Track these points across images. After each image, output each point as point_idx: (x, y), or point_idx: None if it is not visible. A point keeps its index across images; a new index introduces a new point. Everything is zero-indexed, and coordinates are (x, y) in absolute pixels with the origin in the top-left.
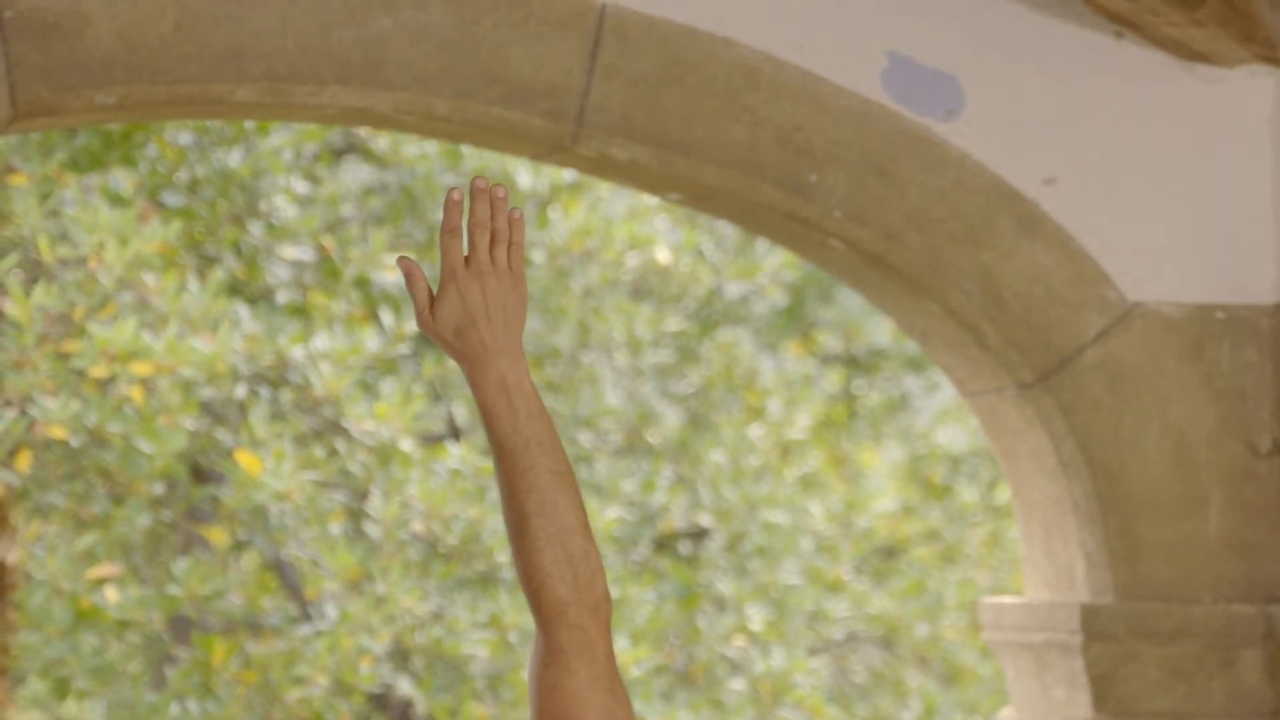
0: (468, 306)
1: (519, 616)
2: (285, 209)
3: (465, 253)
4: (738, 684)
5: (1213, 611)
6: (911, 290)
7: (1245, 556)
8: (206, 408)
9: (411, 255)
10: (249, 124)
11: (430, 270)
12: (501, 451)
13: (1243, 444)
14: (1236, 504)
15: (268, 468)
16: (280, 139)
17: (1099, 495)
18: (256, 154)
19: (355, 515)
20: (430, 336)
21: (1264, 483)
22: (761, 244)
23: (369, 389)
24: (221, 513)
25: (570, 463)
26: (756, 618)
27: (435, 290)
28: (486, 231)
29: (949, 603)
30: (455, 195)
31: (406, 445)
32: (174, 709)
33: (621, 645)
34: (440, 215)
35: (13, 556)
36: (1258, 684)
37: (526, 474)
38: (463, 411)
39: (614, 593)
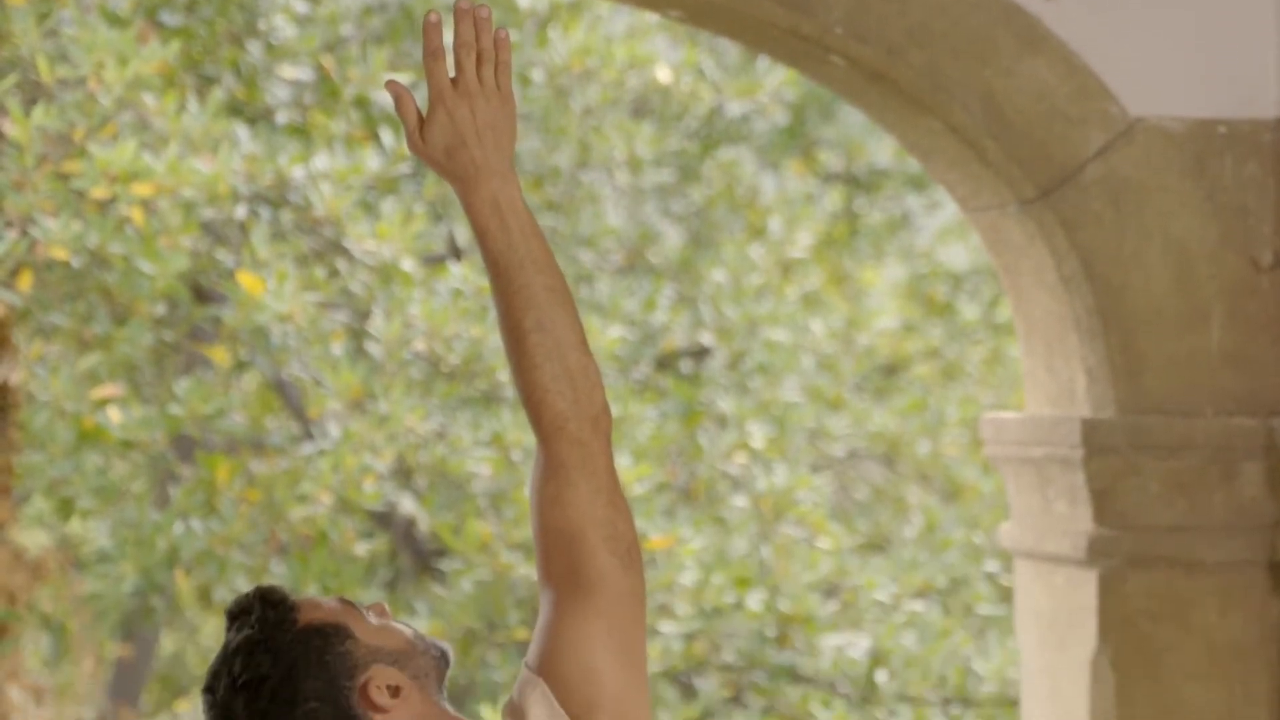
0: (457, 127)
1: (521, 434)
2: (284, 28)
3: (452, 75)
4: (739, 501)
5: (1214, 425)
6: (913, 107)
7: (1246, 370)
8: (207, 228)
9: (411, 75)
10: None
11: (421, 94)
12: (496, 270)
13: (1244, 258)
14: (1238, 318)
15: (269, 288)
16: None
17: (1100, 310)
18: None
19: (357, 335)
20: (421, 158)
21: (1265, 297)
22: (762, 62)
23: (370, 209)
24: (223, 333)
25: (566, 280)
26: (758, 435)
27: (425, 113)
28: (472, 52)
29: (950, 419)
30: (433, 17)
31: (408, 265)
32: (178, 528)
33: (623, 463)
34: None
35: (15, 377)
36: (1259, 496)
37: (522, 291)
38: (463, 231)
39: (616, 411)
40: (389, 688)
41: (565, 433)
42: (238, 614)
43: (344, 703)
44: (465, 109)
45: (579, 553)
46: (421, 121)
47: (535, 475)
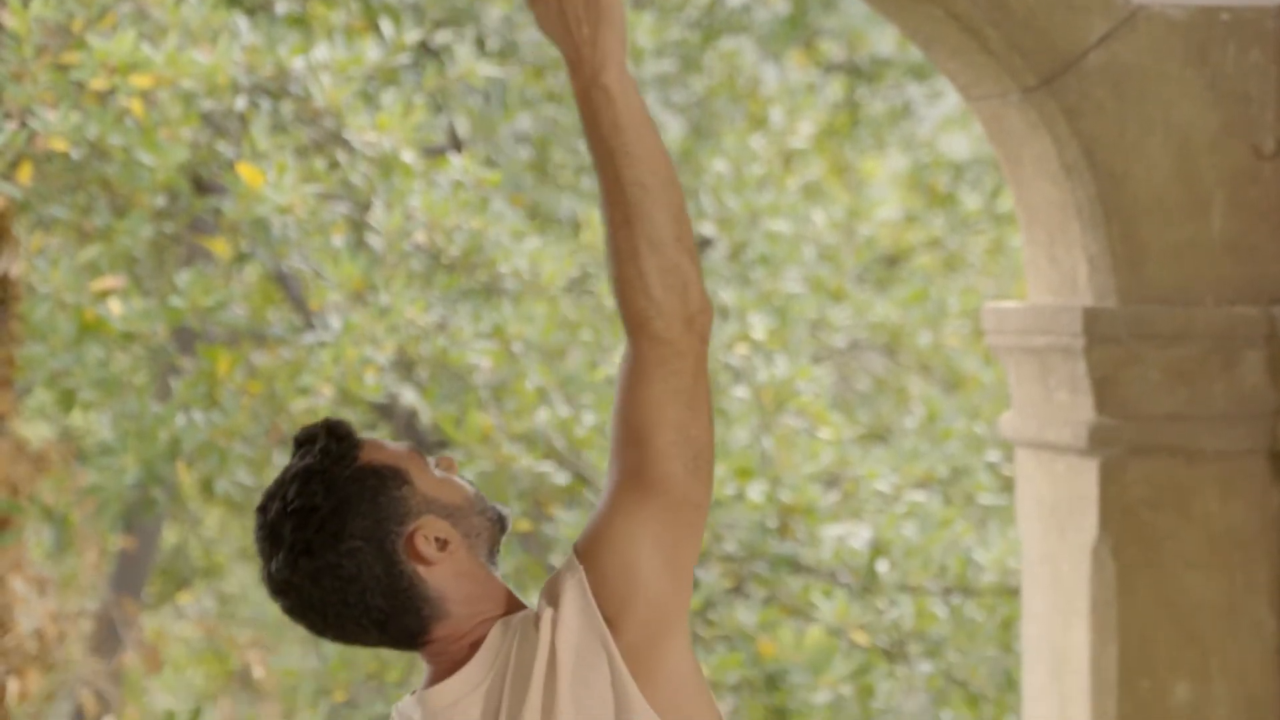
0: (562, 8)
1: (522, 326)
2: None
3: None
4: (741, 392)
5: (1215, 313)
6: None
7: (1248, 258)
8: (207, 120)
9: None
10: None
11: None
12: (594, 160)
13: (1246, 146)
14: (1239, 206)
15: (269, 180)
16: None
17: (1102, 199)
18: None
19: (357, 227)
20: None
21: (1267, 185)
22: None
23: (370, 100)
24: (224, 225)
25: (669, 174)
26: (759, 326)
27: None
28: None
29: (952, 309)
30: None
31: (408, 157)
32: (180, 420)
33: None
34: None
35: (16, 269)
36: (1260, 385)
37: (612, 185)
38: (464, 123)
39: (608, 300)
40: (437, 540)
41: (647, 330)
42: (303, 441)
43: (388, 546)
44: None
45: (646, 452)
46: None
47: (621, 364)
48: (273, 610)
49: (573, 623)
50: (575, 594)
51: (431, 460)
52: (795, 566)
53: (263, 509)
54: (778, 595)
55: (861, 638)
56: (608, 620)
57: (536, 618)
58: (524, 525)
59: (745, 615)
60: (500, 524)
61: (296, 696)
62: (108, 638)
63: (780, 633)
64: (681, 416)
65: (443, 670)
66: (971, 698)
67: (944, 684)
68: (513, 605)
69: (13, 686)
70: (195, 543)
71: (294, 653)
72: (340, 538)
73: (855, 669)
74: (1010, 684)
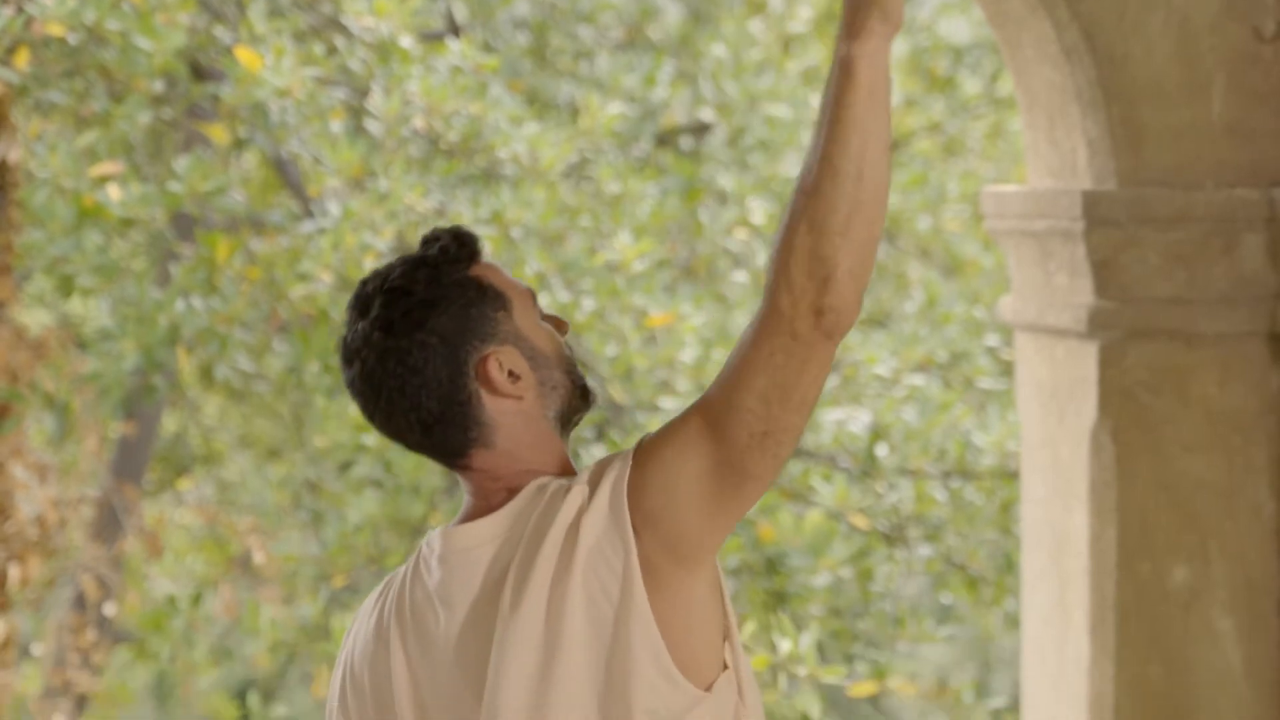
0: None
1: (520, 212)
2: None
3: None
4: (740, 277)
5: (1215, 196)
6: None
7: (1248, 141)
8: (204, 4)
9: None
10: None
11: None
12: (818, 117)
13: (1246, 28)
14: (1240, 89)
15: (267, 64)
16: None
17: (1102, 82)
18: None
19: (356, 112)
20: None
21: (1268, 67)
22: None
23: None
24: (222, 110)
25: (873, 176)
26: (758, 211)
27: None
28: None
29: (951, 194)
30: None
31: (406, 42)
32: (179, 306)
33: (623, 241)
34: None
35: (14, 155)
36: (1259, 268)
37: (813, 153)
38: (462, 8)
39: (615, 188)
40: (510, 372)
41: (774, 302)
42: (428, 240)
43: (461, 356)
44: None
45: (725, 401)
46: None
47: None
48: (272, 497)
49: (603, 509)
50: (615, 485)
51: (547, 312)
52: (795, 451)
53: (365, 281)
54: (777, 479)
55: (861, 521)
56: (634, 525)
57: (568, 489)
58: None
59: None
60: (582, 393)
61: (297, 582)
62: (108, 524)
63: (779, 517)
64: (770, 392)
65: (474, 510)
66: (971, 581)
67: (943, 567)
68: (564, 471)
69: (14, 572)
70: (195, 429)
71: (294, 539)
72: (420, 327)
73: (854, 553)
74: (1009, 567)
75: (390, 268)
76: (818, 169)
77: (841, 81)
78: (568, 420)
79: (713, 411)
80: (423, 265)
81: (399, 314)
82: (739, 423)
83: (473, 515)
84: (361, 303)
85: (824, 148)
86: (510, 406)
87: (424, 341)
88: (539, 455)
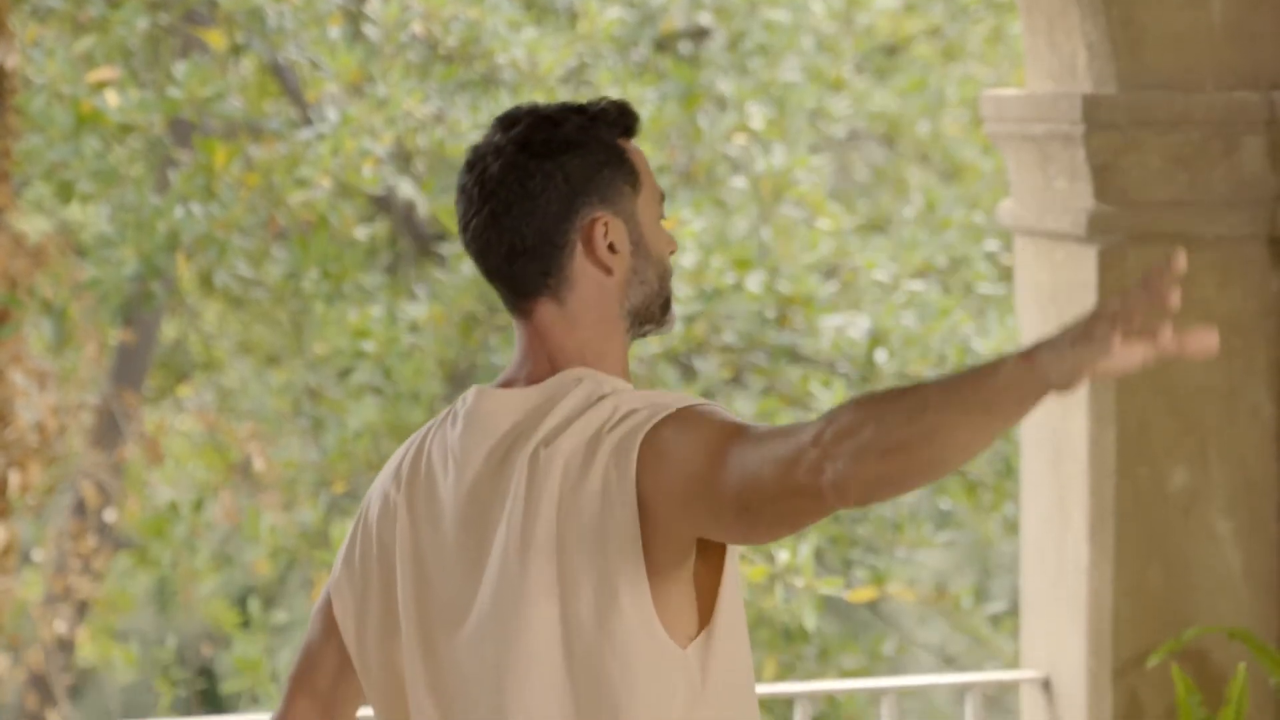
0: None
1: None
2: None
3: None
4: (739, 182)
5: (1215, 99)
6: None
7: (1248, 44)
8: None
9: None
10: None
11: None
12: (942, 378)
13: None
14: None
15: None
16: None
17: None
18: None
19: (354, 17)
20: None
21: None
22: None
23: None
24: (219, 15)
25: (946, 459)
26: (758, 116)
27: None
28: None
29: (951, 99)
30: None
31: None
32: (178, 212)
33: None
34: None
35: (11, 60)
36: (1259, 171)
37: (931, 394)
38: None
39: (614, 93)
40: (611, 244)
41: (806, 455)
42: (594, 101)
43: (576, 204)
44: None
45: (736, 476)
46: None
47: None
48: (272, 403)
49: (620, 444)
50: (636, 430)
51: (673, 241)
52: (794, 356)
53: (519, 106)
54: (776, 385)
55: None
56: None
57: (602, 396)
58: None
59: (744, 405)
60: (664, 305)
61: (297, 488)
62: (108, 431)
63: (779, 422)
64: (765, 490)
65: (512, 377)
66: (970, 485)
67: None
68: (615, 368)
69: (14, 479)
70: (195, 336)
71: (294, 445)
72: (552, 158)
73: None
74: (1008, 472)
75: (552, 105)
76: (916, 416)
77: (991, 377)
78: (640, 323)
79: (725, 460)
80: (580, 112)
81: (539, 138)
82: (729, 488)
83: (510, 382)
84: (508, 119)
85: (934, 408)
86: (596, 275)
87: (550, 172)
88: (599, 337)
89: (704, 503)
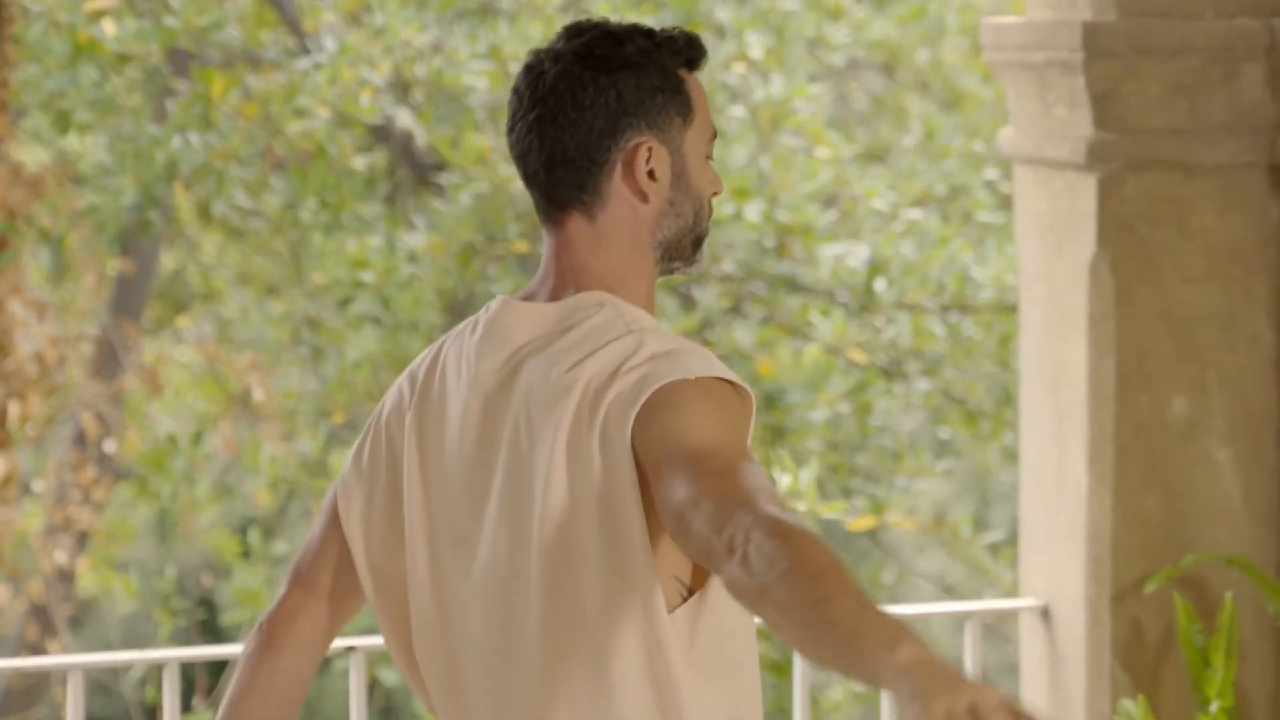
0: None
1: (518, 46)
2: None
3: None
4: (738, 111)
5: (1215, 26)
6: None
7: None
8: None
9: None
10: None
11: None
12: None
13: None
14: None
15: None
16: None
17: None
18: None
19: None
20: None
21: None
22: None
23: None
24: None
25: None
26: (756, 44)
27: None
28: None
29: (950, 26)
30: None
31: None
32: (175, 141)
33: None
34: None
35: None
36: (1259, 98)
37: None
38: None
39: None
40: (652, 171)
41: (726, 566)
42: (665, 29)
43: (623, 124)
44: None
45: (671, 510)
46: None
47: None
48: (271, 334)
49: (630, 390)
50: (647, 381)
51: (717, 183)
52: (793, 285)
53: (606, 20)
54: (775, 314)
55: (859, 356)
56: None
57: (625, 334)
58: (521, 247)
59: (743, 334)
60: (695, 243)
61: (296, 418)
62: (107, 361)
63: (778, 351)
64: (688, 534)
65: (534, 291)
66: (969, 414)
67: (941, 401)
68: (640, 298)
69: (14, 409)
70: (193, 267)
71: (293, 375)
72: (609, 74)
73: (853, 387)
74: (1008, 400)
75: (620, 23)
76: (808, 613)
77: (872, 659)
78: (670, 257)
79: (693, 471)
80: (647, 36)
81: (599, 52)
82: (676, 508)
83: (532, 295)
84: (575, 30)
85: (820, 625)
86: (631, 200)
87: (603, 87)
88: (626, 262)
89: (656, 489)
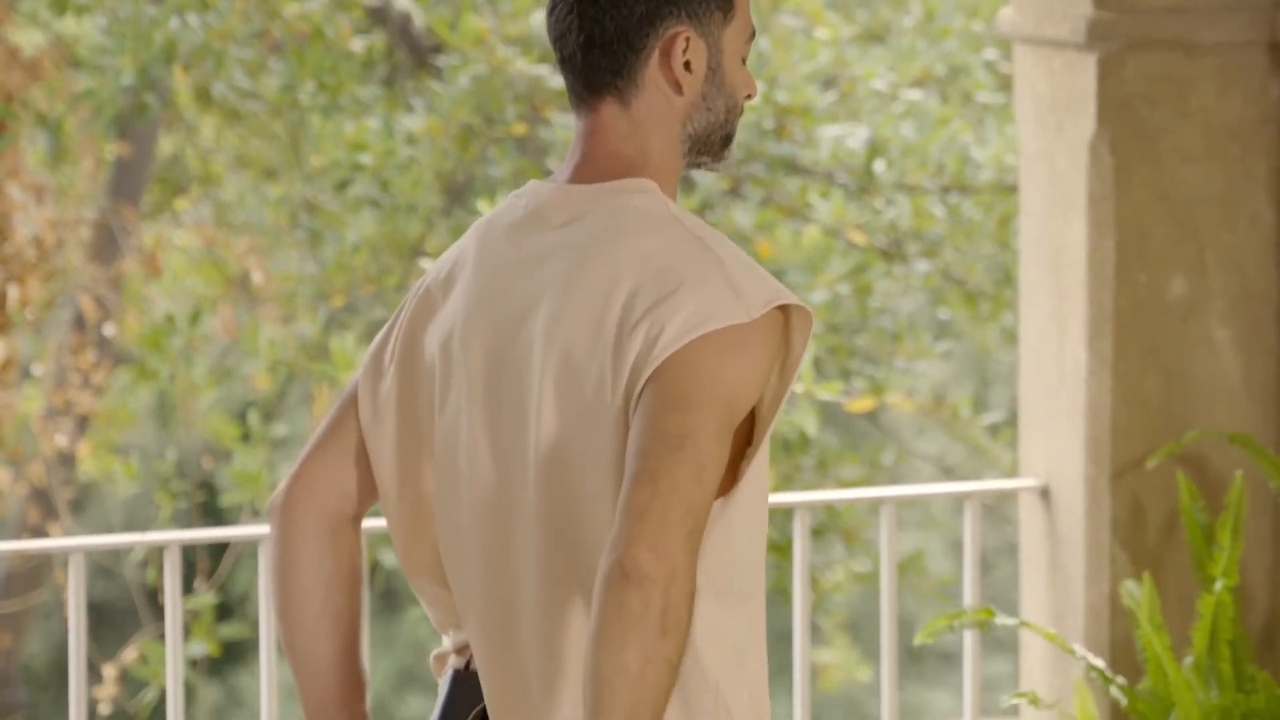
0: None
1: None
2: None
3: None
4: None
5: None
6: None
7: None
8: None
9: None
10: None
11: None
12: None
13: None
14: None
15: None
16: None
17: None
18: None
19: None
20: None
21: None
22: None
23: None
24: None
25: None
26: None
27: None
28: None
29: None
30: None
31: None
32: (174, 22)
33: None
34: None
35: None
36: None
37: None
38: None
39: None
40: (688, 63)
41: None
42: None
43: (663, 12)
44: None
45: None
46: None
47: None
48: (269, 217)
49: (663, 329)
50: (679, 331)
51: (751, 88)
52: (792, 167)
53: None
54: (775, 196)
55: (859, 237)
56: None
57: (698, 238)
58: (520, 129)
59: (742, 217)
60: (724, 140)
61: (295, 302)
62: (106, 245)
63: (777, 233)
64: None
65: (568, 173)
66: (969, 295)
67: (941, 282)
68: (662, 189)
69: (13, 293)
70: (192, 150)
71: (292, 258)
72: None
73: (852, 268)
74: (1008, 280)
75: None
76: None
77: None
78: (698, 151)
79: (686, 423)
80: None
81: None
82: (638, 445)
83: (563, 176)
84: None
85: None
86: (665, 90)
87: None
88: (656, 151)
89: (638, 411)
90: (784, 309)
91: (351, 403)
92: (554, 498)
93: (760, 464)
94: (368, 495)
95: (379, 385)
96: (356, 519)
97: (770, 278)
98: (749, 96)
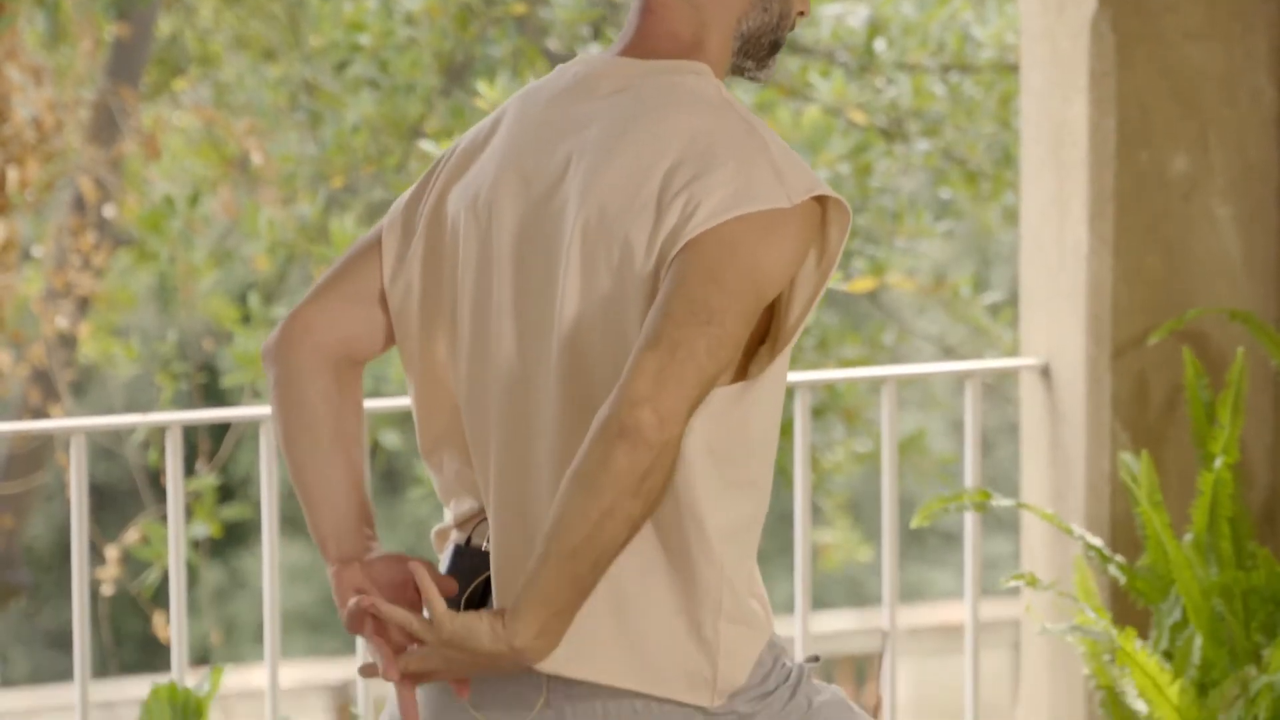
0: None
1: None
2: None
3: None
4: None
5: None
6: None
7: None
8: None
9: None
10: None
11: None
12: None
13: None
14: None
15: None
16: None
17: None
18: None
19: None
20: None
21: None
22: None
23: None
24: None
25: None
26: None
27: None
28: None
29: None
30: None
31: None
32: None
33: None
34: None
35: None
36: None
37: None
38: None
39: None
40: None
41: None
42: None
43: None
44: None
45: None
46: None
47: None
48: (269, 98)
49: (700, 205)
50: (756, 194)
51: None
52: (792, 47)
53: None
54: (775, 76)
55: (859, 116)
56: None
57: (749, 126)
58: (519, 9)
59: (743, 96)
60: (772, 47)
61: (295, 183)
62: (105, 126)
63: (778, 113)
64: (646, 334)
65: (622, 48)
66: (970, 174)
67: (942, 161)
68: (715, 73)
69: (12, 175)
70: (191, 31)
71: (291, 139)
72: None
73: (853, 148)
74: (1008, 160)
75: None
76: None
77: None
78: (744, 53)
79: (709, 294)
80: None
81: None
82: (661, 305)
83: (619, 48)
84: None
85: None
86: None
87: None
88: (711, 41)
89: (668, 278)
90: (822, 202)
91: (367, 252)
92: (574, 365)
93: (784, 358)
94: (367, 343)
95: (408, 242)
96: (356, 364)
97: (811, 170)
98: (801, 14)
